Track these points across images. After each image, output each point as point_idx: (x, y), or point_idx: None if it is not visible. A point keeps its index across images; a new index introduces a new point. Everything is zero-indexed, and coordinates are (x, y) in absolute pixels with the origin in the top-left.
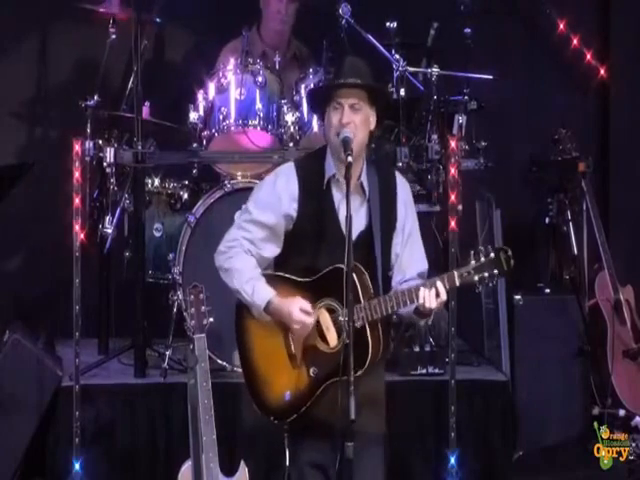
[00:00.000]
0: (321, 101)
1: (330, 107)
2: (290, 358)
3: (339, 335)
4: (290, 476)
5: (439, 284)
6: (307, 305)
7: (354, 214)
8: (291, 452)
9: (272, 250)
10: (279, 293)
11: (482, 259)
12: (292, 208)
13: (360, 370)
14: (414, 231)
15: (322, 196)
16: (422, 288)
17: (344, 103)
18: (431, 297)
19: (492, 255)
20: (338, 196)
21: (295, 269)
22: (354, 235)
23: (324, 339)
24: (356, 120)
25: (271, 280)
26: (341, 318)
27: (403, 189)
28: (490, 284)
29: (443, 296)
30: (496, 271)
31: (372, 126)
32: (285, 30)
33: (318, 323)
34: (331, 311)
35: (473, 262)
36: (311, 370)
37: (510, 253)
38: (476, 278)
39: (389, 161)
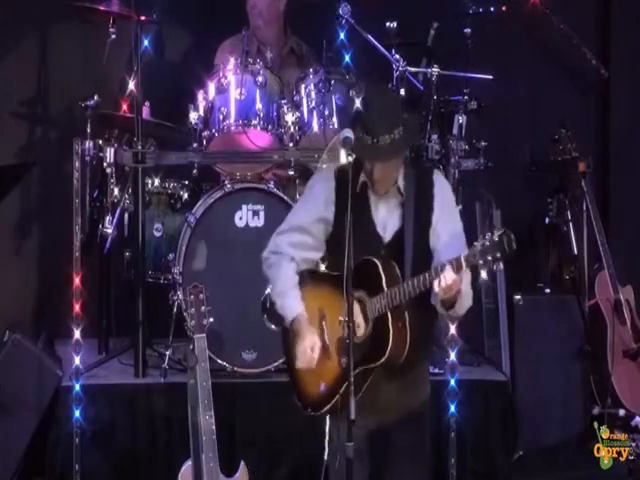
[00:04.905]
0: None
1: None
2: (324, 350)
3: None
4: (328, 466)
5: (447, 267)
6: (317, 346)
7: (390, 215)
8: (330, 437)
9: (314, 253)
10: (314, 289)
11: (486, 243)
12: (330, 211)
13: (382, 359)
14: (451, 227)
15: (358, 199)
16: (429, 272)
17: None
18: (443, 278)
19: (496, 239)
20: (373, 198)
21: (334, 268)
22: (390, 235)
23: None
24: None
25: (307, 277)
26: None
27: (440, 188)
28: (493, 267)
29: (450, 279)
30: (499, 254)
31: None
32: (264, 26)
33: None
34: (361, 302)
35: (478, 246)
36: (342, 361)
37: (512, 236)
38: (480, 261)
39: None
